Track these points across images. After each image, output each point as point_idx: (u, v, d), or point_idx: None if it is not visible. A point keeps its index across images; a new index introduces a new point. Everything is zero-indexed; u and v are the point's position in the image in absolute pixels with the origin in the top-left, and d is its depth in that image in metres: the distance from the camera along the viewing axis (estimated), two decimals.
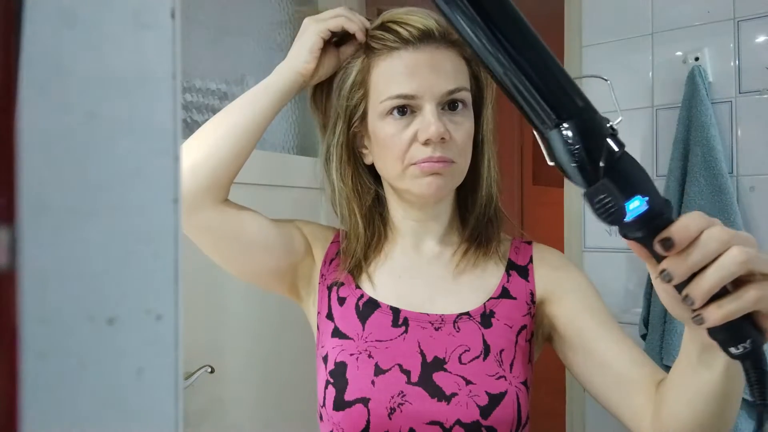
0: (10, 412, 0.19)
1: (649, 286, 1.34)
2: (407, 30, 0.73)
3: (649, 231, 0.42)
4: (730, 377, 0.53)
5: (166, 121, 0.23)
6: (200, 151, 0.74)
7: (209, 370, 1.16)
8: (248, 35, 1.40)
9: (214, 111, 1.30)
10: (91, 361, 0.21)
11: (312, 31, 0.75)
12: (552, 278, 0.78)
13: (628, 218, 0.42)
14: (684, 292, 0.43)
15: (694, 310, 0.44)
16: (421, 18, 0.74)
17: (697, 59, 1.34)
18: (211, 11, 1.30)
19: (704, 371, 0.54)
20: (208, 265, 1.25)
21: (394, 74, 0.74)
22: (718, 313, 0.43)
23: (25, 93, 0.20)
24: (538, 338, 0.79)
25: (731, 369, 0.52)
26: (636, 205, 0.41)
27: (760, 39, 1.29)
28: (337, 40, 0.78)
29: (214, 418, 1.23)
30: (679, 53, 1.37)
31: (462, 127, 0.74)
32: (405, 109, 0.73)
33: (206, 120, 1.28)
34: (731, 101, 1.31)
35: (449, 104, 0.74)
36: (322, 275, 0.81)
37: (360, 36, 0.76)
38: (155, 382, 0.22)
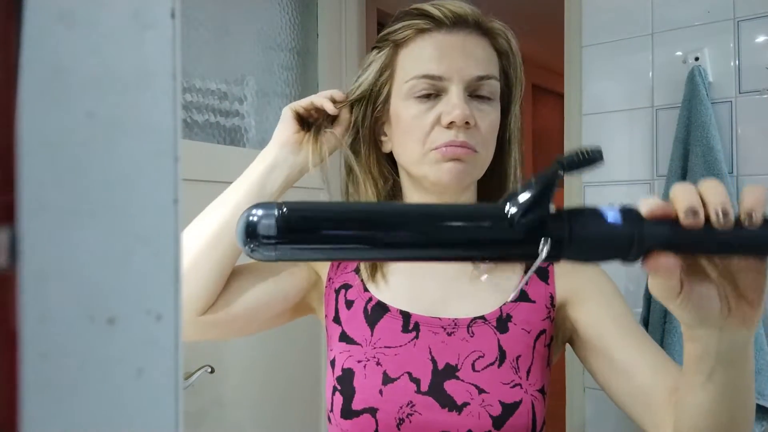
0: (10, 412, 0.19)
1: None
2: (441, 11, 0.71)
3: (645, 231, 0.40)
4: (737, 376, 0.51)
5: (166, 121, 0.23)
6: (189, 258, 0.70)
7: (209, 370, 1.16)
8: (248, 35, 1.40)
9: (214, 111, 1.31)
10: (91, 361, 0.21)
11: (284, 110, 0.76)
12: (574, 280, 0.74)
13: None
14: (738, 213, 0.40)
15: (737, 228, 0.40)
16: (455, 2, 0.72)
17: (697, 59, 1.34)
18: (211, 11, 1.30)
19: (709, 383, 0.51)
20: None
21: (423, 54, 0.71)
22: (755, 197, 0.40)
23: (25, 93, 0.20)
24: (558, 342, 0.76)
25: (735, 369, 0.50)
26: (614, 220, 0.39)
27: (760, 39, 1.29)
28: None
29: (214, 418, 1.23)
30: (679, 53, 1.37)
31: (488, 117, 0.71)
32: (430, 92, 0.70)
33: (206, 120, 1.28)
34: (731, 101, 1.31)
35: (477, 93, 0.71)
36: (329, 278, 0.78)
37: (330, 108, 0.74)
38: (155, 382, 0.22)
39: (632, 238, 0.39)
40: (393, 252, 0.39)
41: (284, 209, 0.35)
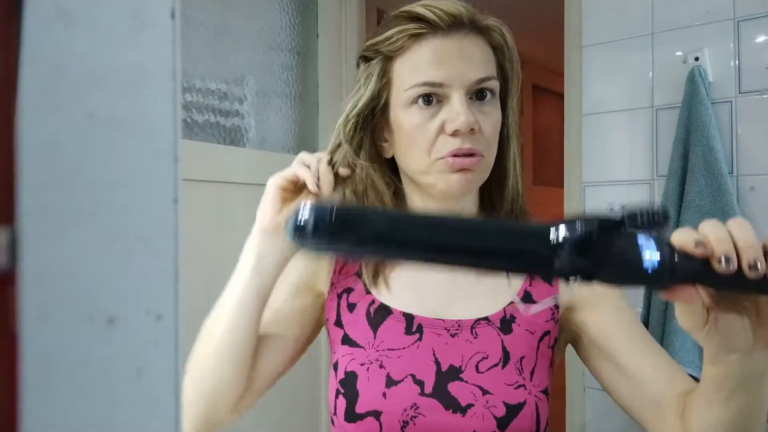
0: (10, 412, 0.19)
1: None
2: (435, 14, 0.69)
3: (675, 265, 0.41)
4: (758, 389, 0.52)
5: (166, 121, 0.23)
6: (202, 380, 0.70)
7: None
8: (248, 35, 1.40)
9: (214, 111, 1.31)
10: (91, 361, 0.21)
11: (269, 184, 0.70)
12: (578, 287, 0.74)
13: (655, 266, 0.40)
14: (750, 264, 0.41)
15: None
16: (448, 3, 0.70)
17: (697, 59, 1.34)
18: (211, 11, 1.30)
19: (729, 401, 0.52)
20: (208, 265, 1.25)
21: (421, 61, 0.69)
22: None
23: (25, 93, 0.20)
24: (561, 343, 0.76)
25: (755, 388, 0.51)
26: (650, 255, 0.40)
27: (760, 39, 1.29)
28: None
29: None
30: (679, 53, 1.37)
31: (490, 118, 0.70)
32: (431, 98, 0.69)
33: (206, 120, 1.28)
34: (731, 101, 1.31)
35: (477, 93, 0.70)
36: (332, 284, 0.78)
37: (311, 185, 0.69)
38: (155, 382, 0.22)
39: (664, 271, 0.40)
40: (433, 256, 0.40)
41: (335, 208, 0.38)
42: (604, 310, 0.72)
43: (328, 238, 0.37)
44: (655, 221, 0.40)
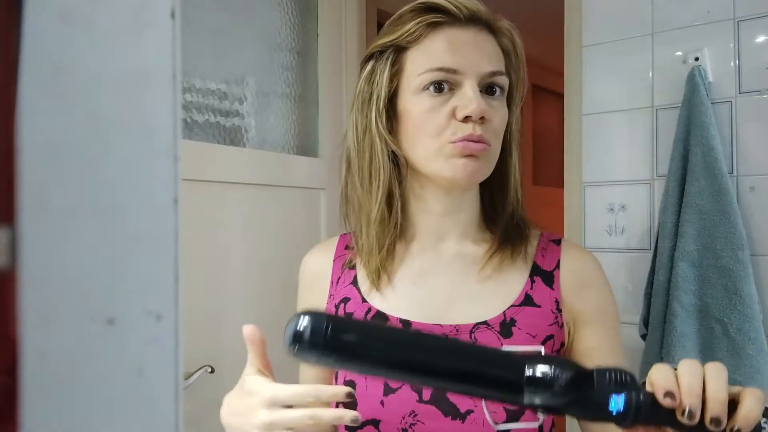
0: (11, 412, 0.19)
1: (650, 286, 1.34)
2: (454, 5, 0.70)
3: (641, 408, 0.43)
4: None
5: (166, 121, 0.23)
6: None
7: (209, 370, 1.15)
8: (248, 35, 1.40)
9: (214, 111, 1.31)
10: (91, 362, 0.21)
11: None
12: (578, 297, 0.73)
13: (619, 409, 0.43)
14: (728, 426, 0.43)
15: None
16: None
17: (697, 59, 1.34)
18: (211, 11, 1.30)
19: None
20: (208, 265, 1.25)
21: (436, 48, 0.69)
22: (751, 416, 0.42)
23: (25, 93, 0.20)
24: (567, 348, 0.75)
25: None
26: (615, 402, 0.43)
27: (760, 39, 1.29)
28: None
29: (214, 418, 1.23)
30: (679, 53, 1.37)
31: (499, 113, 0.71)
32: (443, 85, 0.69)
33: (206, 120, 1.28)
34: (731, 101, 1.31)
35: (488, 88, 0.70)
36: (330, 295, 0.78)
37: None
38: (155, 382, 0.22)
39: (628, 415, 0.43)
40: (417, 378, 0.44)
41: (330, 326, 0.40)
42: (593, 335, 0.73)
43: (323, 348, 0.40)
44: (622, 382, 0.42)
